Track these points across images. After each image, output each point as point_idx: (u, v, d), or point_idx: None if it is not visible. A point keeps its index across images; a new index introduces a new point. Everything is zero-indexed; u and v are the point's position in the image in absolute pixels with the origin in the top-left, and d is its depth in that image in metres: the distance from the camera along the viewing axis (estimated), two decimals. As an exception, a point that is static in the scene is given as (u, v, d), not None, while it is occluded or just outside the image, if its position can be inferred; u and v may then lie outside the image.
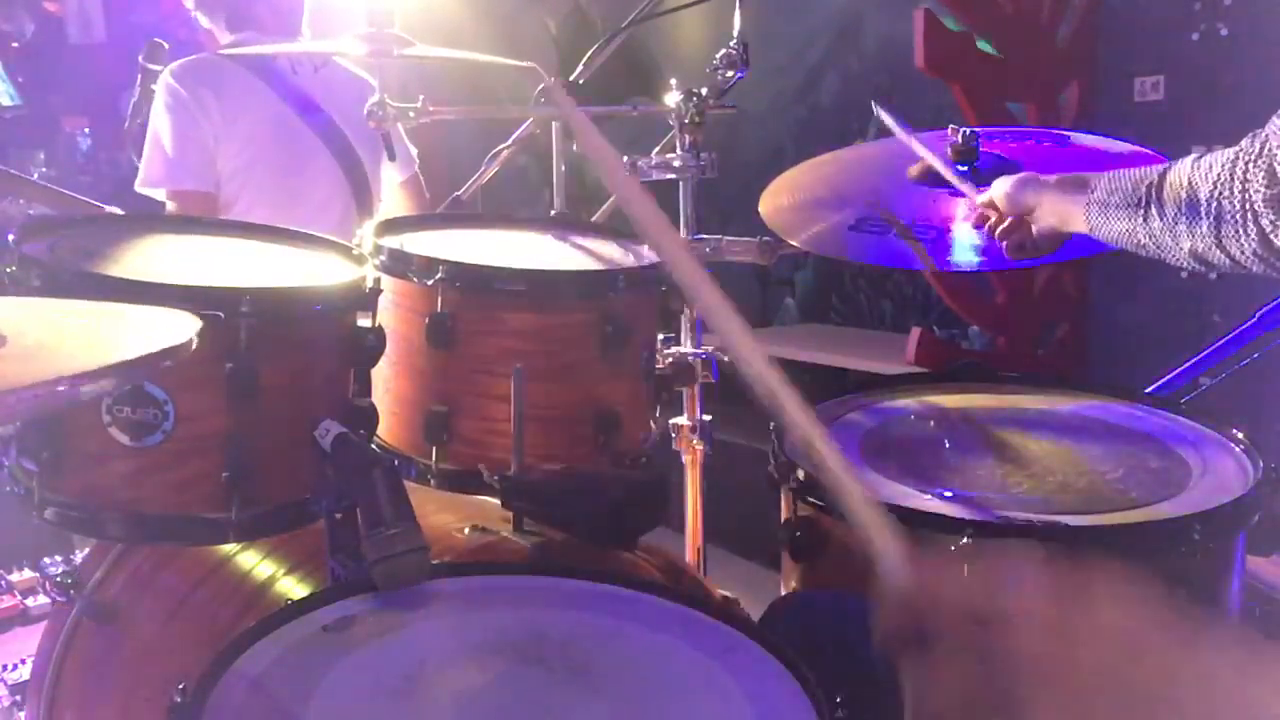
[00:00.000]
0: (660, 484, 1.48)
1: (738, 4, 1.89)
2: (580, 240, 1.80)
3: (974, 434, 1.65)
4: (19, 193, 2.41)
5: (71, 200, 2.38)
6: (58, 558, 2.89)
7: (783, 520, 1.55)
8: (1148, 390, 1.85)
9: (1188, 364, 1.98)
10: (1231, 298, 3.15)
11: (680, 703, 1.04)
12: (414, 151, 2.96)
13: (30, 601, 2.94)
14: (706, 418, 1.96)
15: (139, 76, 2.68)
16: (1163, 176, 1.31)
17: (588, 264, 1.71)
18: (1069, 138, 1.96)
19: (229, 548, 1.53)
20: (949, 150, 1.77)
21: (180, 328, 0.99)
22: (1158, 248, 1.32)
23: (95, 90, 5.46)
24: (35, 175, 5.36)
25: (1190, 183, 1.27)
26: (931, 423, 1.70)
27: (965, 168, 1.75)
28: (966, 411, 1.74)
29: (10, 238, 1.32)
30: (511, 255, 1.69)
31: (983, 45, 3.38)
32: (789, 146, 4.47)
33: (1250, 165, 1.19)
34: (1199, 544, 1.32)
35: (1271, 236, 1.19)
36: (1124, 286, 3.48)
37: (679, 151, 1.89)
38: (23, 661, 2.54)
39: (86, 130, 5.70)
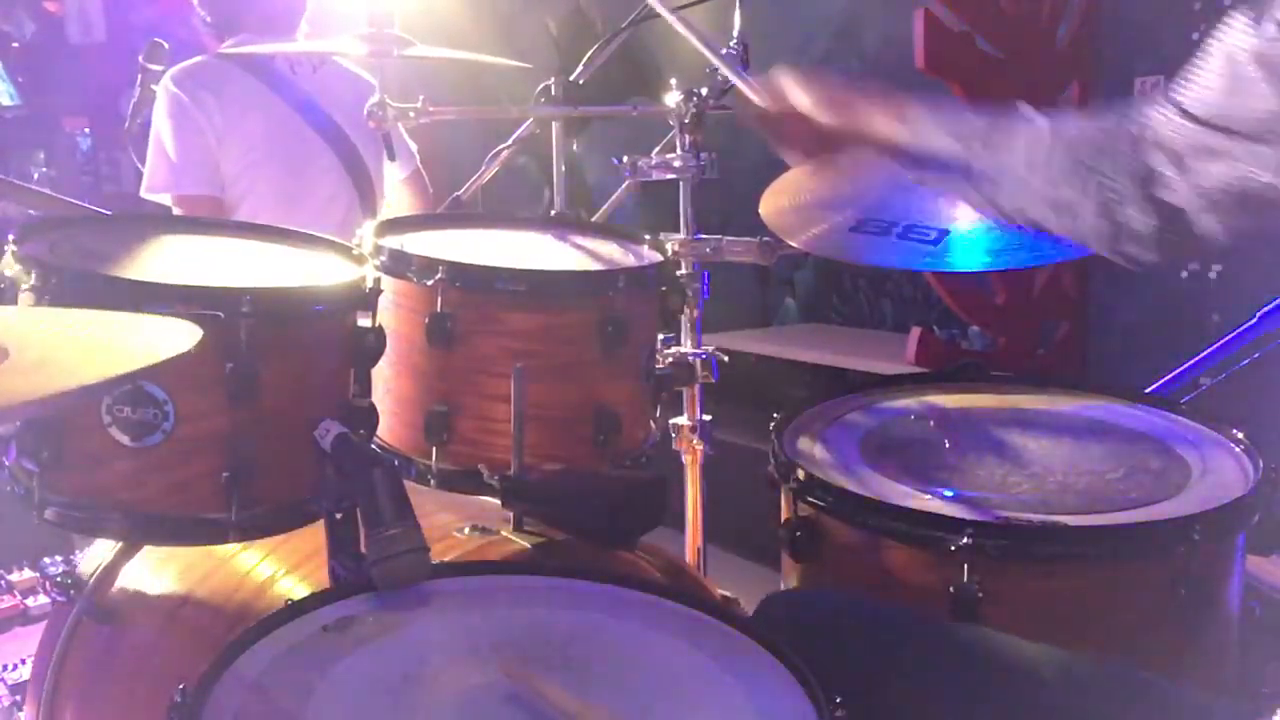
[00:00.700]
0: (660, 484, 1.48)
1: (738, 4, 1.89)
2: (580, 240, 1.80)
3: (974, 434, 1.66)
4: (17, 199, 2.41)
5: (69, 206, 2.38)
6: (58, 558, 2.88)
7: (783, 520, 1.55)
8: (1148, 390, 1.85)
9: (1188, 364, 1.98)
10: (1231, 298, 3.15)
11: (680, 703, 1.04)
12: (414, 147, 2.96)
13: (30, 601, 2.94)
14: (706, 418, 1.96)
15: (139, 76, 2.68)
16: (993, 128, 1.26)
17: (588, 264, 1.71)
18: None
19: (229, 548, 1.53)
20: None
21: (181, 337, 0.99)
22: (979, 192, 1.27)
23: (95, 90, 5.45)
24: (35, 175, 5.37)
25: (1035, 150, 1.21)
26: (931, 423, 1.70)
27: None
28: (966, 411, 1.74)
29: (10, 238, 1.32)
30: (511, 255, 1.69)
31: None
32: (789, 147, 4.46)
33: (1119, 142, 1.14)
34: (1199, 544, 1.32)
35: (1112, 214, 1.15)
36: (1124, 286, 3.48)
37: (679, 151, 1.89)
38: (23, 661, 2.53)
39: (86, 130, 5.69)
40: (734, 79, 1.60)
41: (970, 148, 1.26)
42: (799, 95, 1.41)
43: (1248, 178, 1.05)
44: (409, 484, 1.25)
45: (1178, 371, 1.98)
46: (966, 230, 1.70)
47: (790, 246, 1.81)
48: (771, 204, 1.86)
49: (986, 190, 1.26)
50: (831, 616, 1.30)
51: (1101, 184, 1.15)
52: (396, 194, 2.97)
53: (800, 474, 1.48)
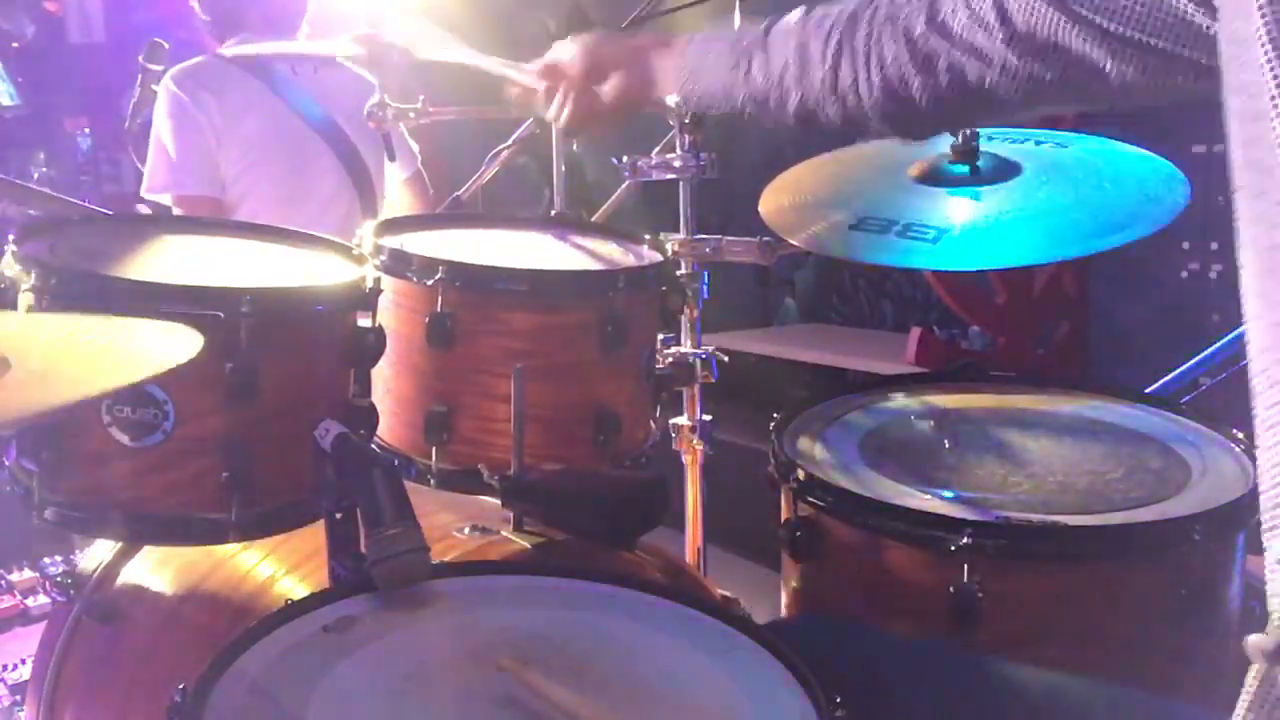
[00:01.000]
0: (660, 484, 1.48)
1: (737, 4, 1.89)
2: (580, 240, 1.80)
3: (974, 434, 1.66)
4: (16, 199, 2.41)
5: (69, 206, 2.39)
6: (58, 558, 2.89)
7: (783, 520, 1.55)
8: (1148, 390, 1.85)
9: (1188, 364, 1.98)
10: (1231, 298, 3.14)
11: (680, 703, 1.04)
12: (415, 148, 2.96)
13: (30, 601, 2.94)
14: (706, 418, 1.96)
15: (139, 76, 2.68)
16: (767, 32, 1.29)
17: (588, 264, 1.71)
18: (1070, 139, 1.96)
19: (229, 548, 1.53)
20: (950, 150, 1.76)
21: (183, 343, 0.99)
22: (758, 107, 1.30)
23: (95, 90, 5.46)
24: (35, 175, 5.36)
25: (802, 38, 1.25)
26: (931, 423, 1.70)
27: (966, 169, 1.75)
28: (966, 411, 1.74)
29: (10, 237, 1.32)
30: (512, 255, 1.69)
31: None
32: (789, 147, 4.45)
33: (885, 15, 1.18)
34: (1199, 544, 1.32)
35: (900, 88, 1.18)
36: (1124, 286, 3.48)
37: (679, 151, 1.88)
38: (23, 661, 2.54)
39: (86, 130, 5.69)
40: (502, 68, 1.58)
41: (748, 70, 1.29)
42: (568, 64, 1.43)
43: (982, 76, 1.10)
44: (409, 484, 1.25)
45: (1178, 371, 1.98)
46: (966, 229, 1.70)
47: (790, 246, 1.81)
48: (771, 202, 1.86)
49: (770, 107, 1.28)
50: (824, 642, 1.29)
51: (854, 57, 1.19)
52: (398, 195, 2.98)
53: (800, 474, 1.48)
